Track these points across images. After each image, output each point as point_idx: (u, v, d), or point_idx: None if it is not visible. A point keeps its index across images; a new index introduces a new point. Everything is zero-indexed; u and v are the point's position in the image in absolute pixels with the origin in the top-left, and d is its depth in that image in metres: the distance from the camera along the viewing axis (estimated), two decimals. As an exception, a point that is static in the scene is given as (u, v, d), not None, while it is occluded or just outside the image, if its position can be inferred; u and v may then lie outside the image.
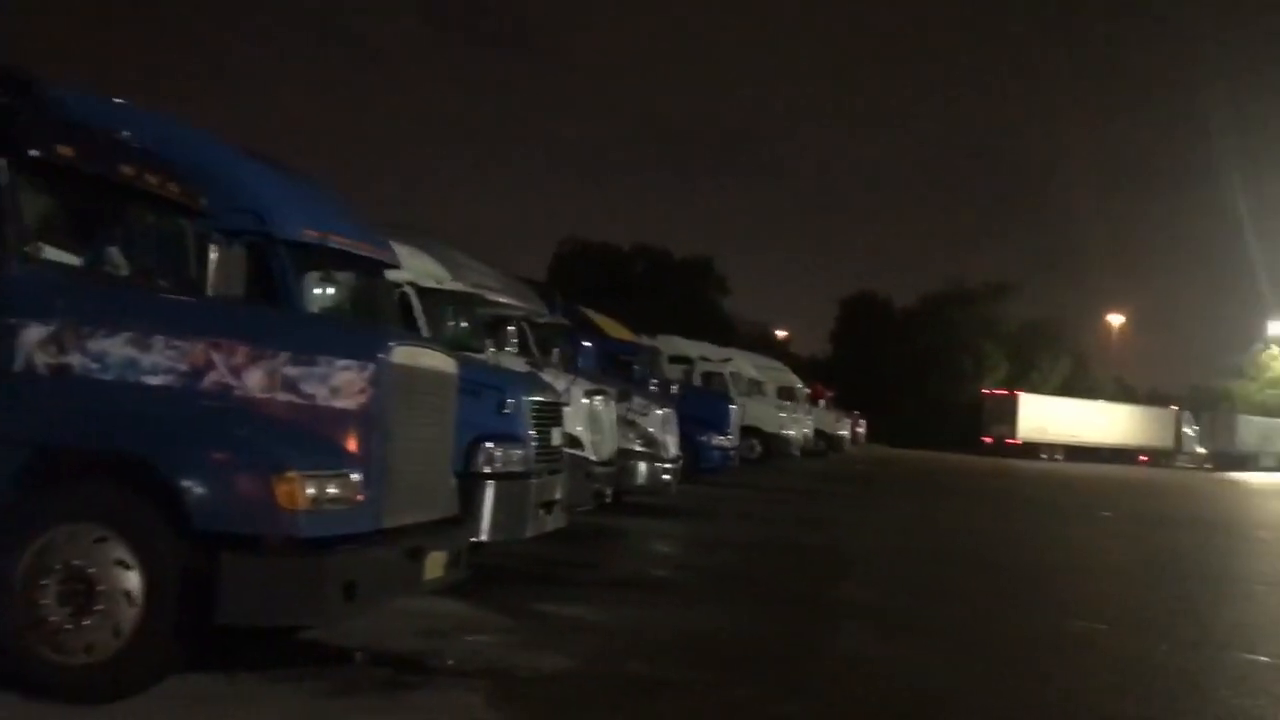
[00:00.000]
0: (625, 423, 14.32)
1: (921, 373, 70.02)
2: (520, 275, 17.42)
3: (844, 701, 6.44)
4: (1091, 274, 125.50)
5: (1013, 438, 59.88)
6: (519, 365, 11.35)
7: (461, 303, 11.53)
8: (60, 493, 5.14)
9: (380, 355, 5.61)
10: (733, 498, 19.33)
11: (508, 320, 13.01)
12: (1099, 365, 78.39)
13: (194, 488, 5.01)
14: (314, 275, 8.37)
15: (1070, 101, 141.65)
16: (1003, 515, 22.72)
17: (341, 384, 5.48)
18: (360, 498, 5.36)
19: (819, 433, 38.83)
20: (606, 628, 7.83)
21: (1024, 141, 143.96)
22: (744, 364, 31.04)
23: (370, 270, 8.90)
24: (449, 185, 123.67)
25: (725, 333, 51.67)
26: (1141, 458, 62.68)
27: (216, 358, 5.42)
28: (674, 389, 19.36)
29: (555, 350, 13.97)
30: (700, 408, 21.35)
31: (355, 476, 5.36)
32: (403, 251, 9.88)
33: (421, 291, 10.48)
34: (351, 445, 5.47)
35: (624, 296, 49.63)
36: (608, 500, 12.61)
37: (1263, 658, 8.66)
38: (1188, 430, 66.69)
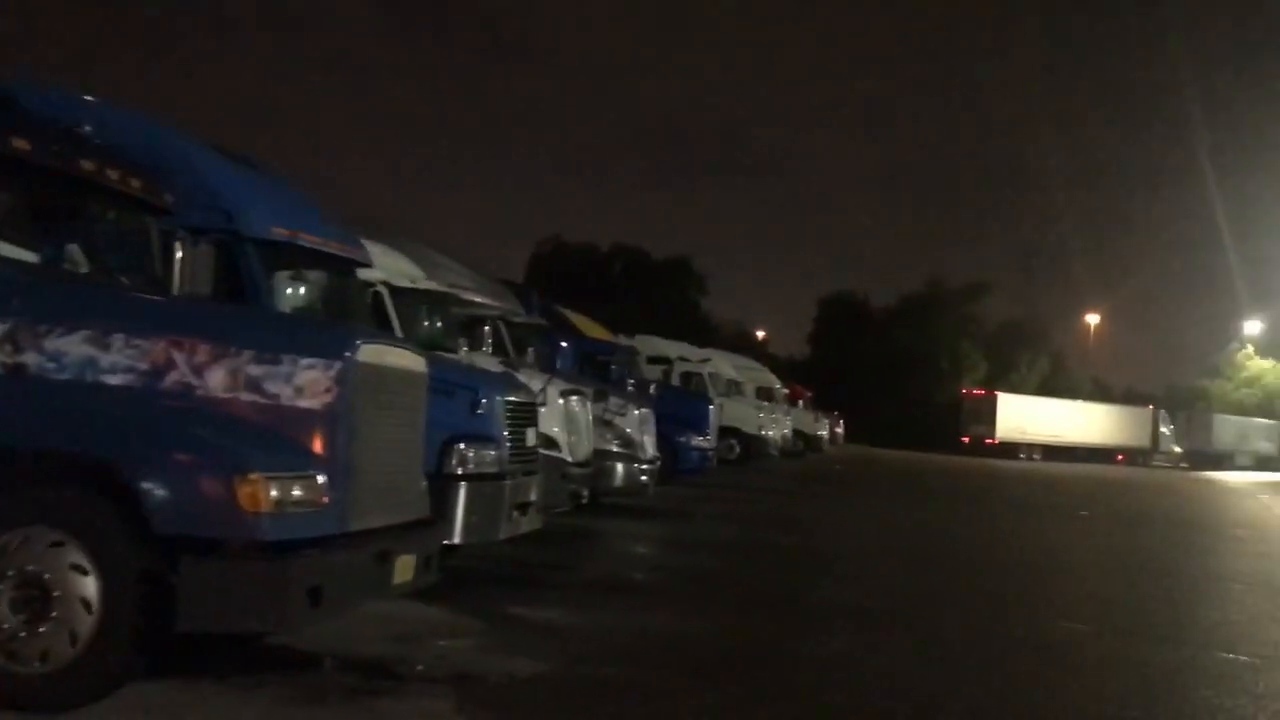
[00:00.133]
0: (602, 423, 14.23)
1: (900, 373, 70.05)
2: (498, 275, 17.34)
3: (822, 706, 6.35)
4: (1069, 274, 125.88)
5: (991, 438, 60.06)
6: (493, 365, 11.23)
7: (436, 302, 11.37)
8: (14, 495, 4.97)
9: (346, 353, 5.48)
10: (711, 498, 19.23)
11: (483, 320, 12.90)
12: (1076, 365, 78.83)
13: (153, 490, 4.87)
14: (284, 274, 8.24)
15: (1047, 101, 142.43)
16: (982, 515, 22.71)
17: (306, 383, 5.35)
18: (326, 500, 5.23)
19: (798, 433, 38.85)
20: (581, 631, 7.71)
21: (1001, 142, 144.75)
22: (723, 364, 30.97)
23: (342, 269, 8.77)
24: (425, 185, 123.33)
25: (704, 333, 51.55)
26: (1118, 457, 63.00)
27: (178, 357, 5.28)
28: (652, 389, 19.24)
29: (530, 350, 13.83)
30: (679, 408, 21.29)
31: (320, 478, 5.23)
32: (376, 250, 9.75)
33: (395, 291, 10.33)
34: (317, 446, 5.34)
35: (602, 297, 49.50)
36: (584, 502, 12.50)
37: (1243, 657, 8.62)
38: (1164, 430, 67.04)
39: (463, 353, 10.38)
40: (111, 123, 6.87)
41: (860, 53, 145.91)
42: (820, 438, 44.55)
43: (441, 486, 7.90)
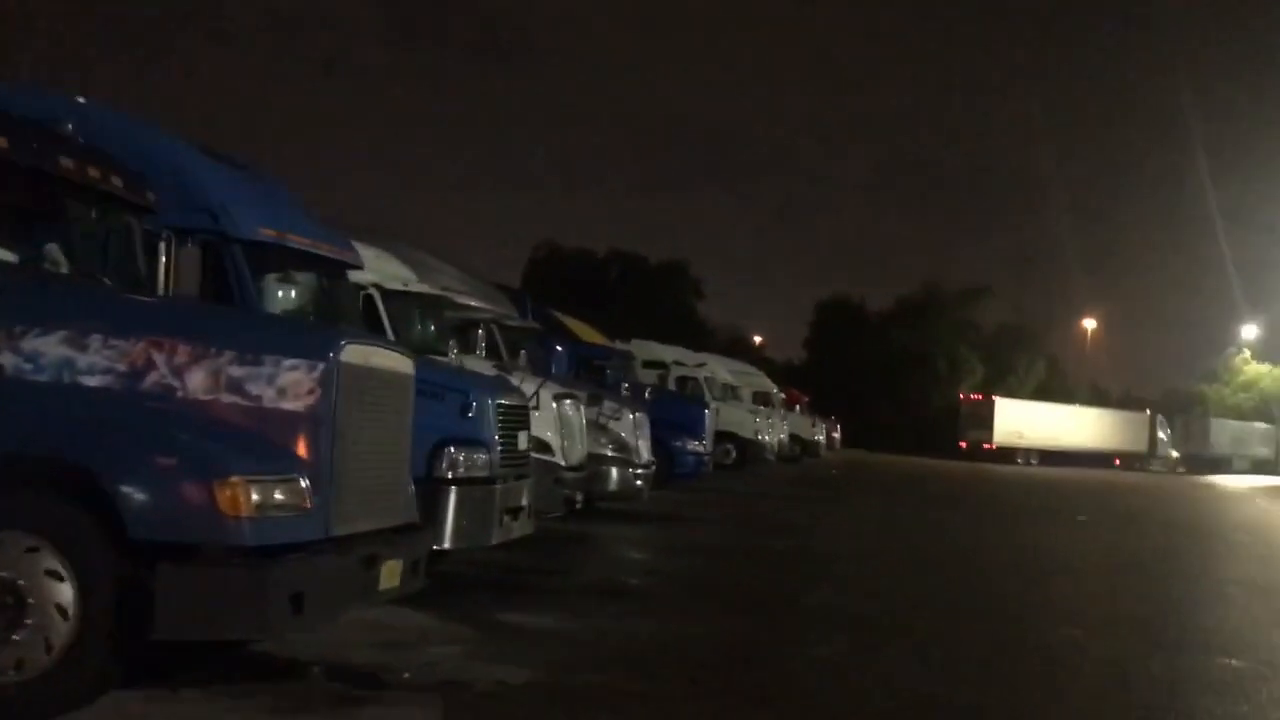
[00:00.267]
0: (597, 427, 14.12)
1: (897, 377, 69.95)
2: (494, 280, 17.26)
3: (818, 711, 6.24)
4: (1066, 277, 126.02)
5: (989, 442, 59.86)
6: (486, 368, 11.12)
7: (429, 305, 11.30)
8: (-12, 500, 4.87)
9: (330, 354, 5.38)
10: (707, 503, 19.12)
11: (477, 323, 12.81)
12: (1074, 369, 78.74)
13: (131, 494, 4.77)
14: (273, 276, 8.14)
15: (1044, 106, 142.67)
16: (979, 520, 22.60)
17: (289, 384, 5.25)
18: (309, 504, 5.12)
19: (794, 438, 38.71)
20: (572, 637, 7.59)
21: (998, 145, 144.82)
22: (719, 369, 30.92)
23: (332, 271, 8.67)
24: (422, 189, 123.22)
25: (700, 338, 51.48)
26: (1116, 461, 62.90)
27: (157, 358, 5.18)
28: (647, 393, 19.14)
29: (523, 353, 13.73)
30: (675, 412, 21.18)
31: (303, 481, 5.13)
32: (368, 253, 9.67)
33: (387, 294, 10.26)
34: (300, 449, 5.24)
35: (599, 301, 49.41)
36: (578, 506, 12.40)
37: (1244, 663, 8.50)
38: (1161, 434, 66.92)
39: (453, 355, 10.26)
40: (94, 122, 6.78)
41: (857, 56, 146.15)
42: (817, 442, 44.40)
43: (431, 491, 7.82)
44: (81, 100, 7.49)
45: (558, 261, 65.87)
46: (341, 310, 8.71)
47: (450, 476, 8.27)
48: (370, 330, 8.98)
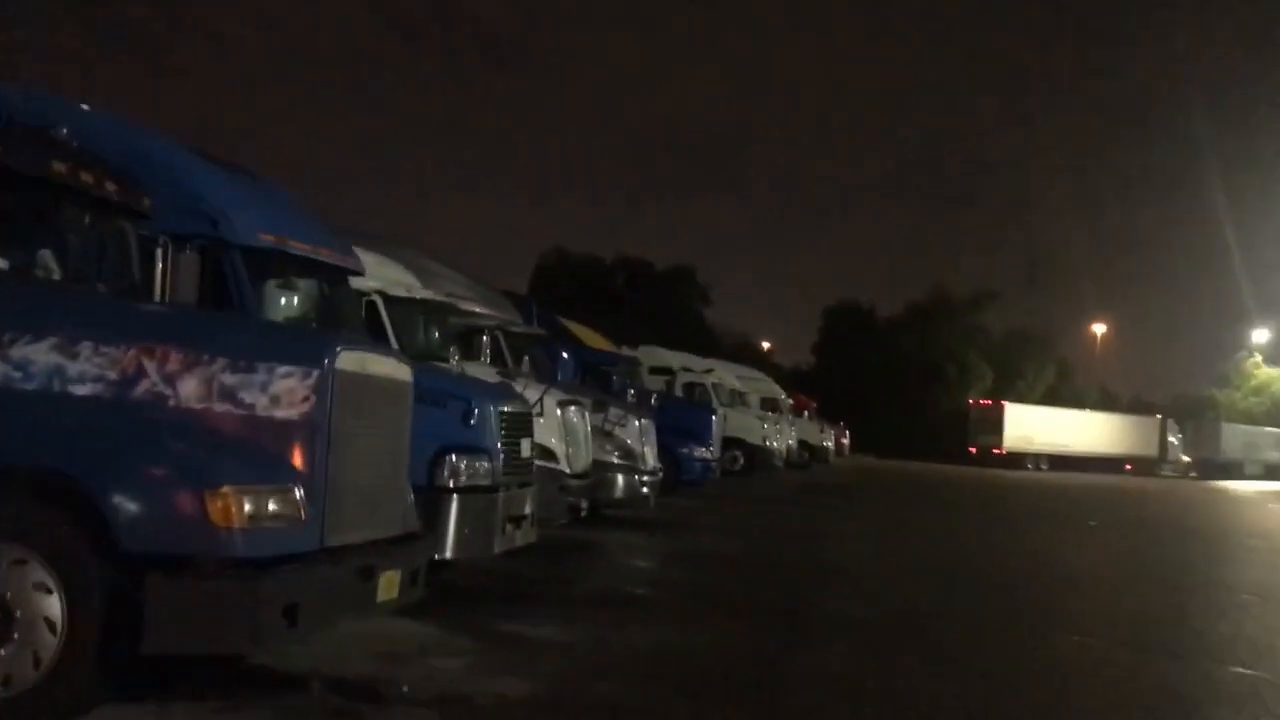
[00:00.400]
0: (602, 434, 14.02)
1: (906, 382, 69.64)
2: (501, 286, 17.15)
3: (824, 725, 6.11)
4: (1076, 282, 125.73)
5: (998, 448, 59.67)
6: (489, 375, 11.00)
7: (433, 312, 11.19)
8: (-26, 512, 4.76)
9: (325, 361, 5.27)
10: (713, 510, 18.98)
11: (481, 330, 12.70)
12: (1083, 374, 78.36)
13: (121, 505, 4.67)
14: (273, 282, 8.04)
15: (1055, 113, 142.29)
16: (989, 526, 22.44)
17: (283, 392, 5.14)
18: (302, 514, 5.02)
19: (802, 444, 38.59)
20: (575, 649, 7.46)
21: (1008, 152, 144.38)
22: (726, 375, 30.75)
23: (333, 278, 8.56)
24: (427, 197, 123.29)
25: (708, 343, 51.26)
26: (1126, 466, 62.61)
27: (148, 365, 5.08)
28: (654, 400, 19.02)
29: (527, 360, 13.63)
30: (682, 419, 21.08)
31: (297, 491, 5.02)
32: (371, 260, 9.58)
33: (390, 300, 10.15)
34: (294, 458, 5.13)
35: (606, 308, 49.29)
36: (583, 514, 12.29)
37: (1260, 673, 8.34)
38: (1172, 439, 66.67)
39: (454, 362, 10.15)
40: (89, 126, 6.67)
41: (866, 60, 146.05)
42: (825, 449, 44.26)
43: (432, 499, 7.71)
44: (68, 101, 7.38)
45: (565, 268, 65.77)
46: (343, 317, 8.61)
47: (452, 485, 8.14)
48: (373, 337, 8.88)
